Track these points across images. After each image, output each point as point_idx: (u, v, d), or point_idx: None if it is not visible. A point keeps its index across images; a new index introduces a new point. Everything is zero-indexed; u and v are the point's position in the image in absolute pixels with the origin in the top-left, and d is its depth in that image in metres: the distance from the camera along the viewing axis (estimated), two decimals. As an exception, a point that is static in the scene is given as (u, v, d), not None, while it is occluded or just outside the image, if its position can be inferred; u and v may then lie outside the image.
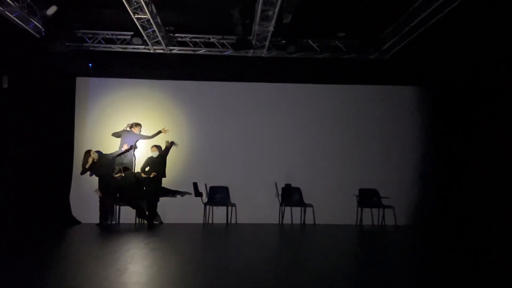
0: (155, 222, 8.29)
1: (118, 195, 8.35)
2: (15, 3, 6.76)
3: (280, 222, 8.82)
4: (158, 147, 8.63)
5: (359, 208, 8.77)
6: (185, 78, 9.15)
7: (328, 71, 9.21)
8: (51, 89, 8.38)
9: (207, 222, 8.64)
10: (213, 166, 8.99)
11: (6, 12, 6.84)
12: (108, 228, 7.98)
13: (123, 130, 8.54)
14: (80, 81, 9.00)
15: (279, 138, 9.13)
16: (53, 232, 7.33)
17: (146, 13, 6.93)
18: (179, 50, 8.74)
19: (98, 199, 8.16)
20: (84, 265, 4.84)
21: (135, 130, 8.59)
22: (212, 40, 8.68)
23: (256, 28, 7.51)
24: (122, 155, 8.37)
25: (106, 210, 8.23)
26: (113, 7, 7.15)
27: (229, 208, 8.71)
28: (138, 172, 8.36)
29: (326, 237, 7.51)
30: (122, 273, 4.37)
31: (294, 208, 8.91)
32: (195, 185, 8.59)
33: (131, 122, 8.63)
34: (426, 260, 5.51)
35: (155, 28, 7.51)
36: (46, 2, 6.98)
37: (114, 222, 8.39)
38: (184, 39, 8.67)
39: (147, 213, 8.16)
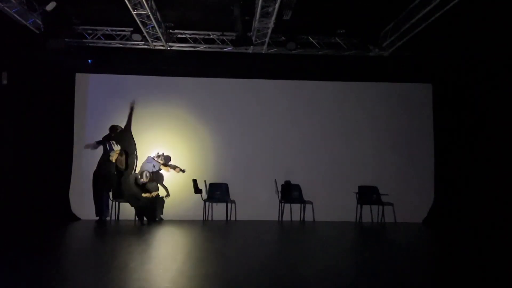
0: (156, 219, 8.29)
1: (117, 192, 8.38)
2: (14, -2, 6.74)
3: (280, 219, 8.83)
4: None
5: (359, 205, 8.78)
6: (184, 74, 9.13)
7: (328, 68, 9.19)
8: (50, 85, 8.36)
9: (206, 218, 8.65)
10: (213, 163, 8.99)
11: (6, 8, 6.81)
12: (107, 225, 7.98)
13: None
14: (79, 77, 8.98)
15: (279, 135, 9.13)
16: (52, 228, 7.33)
17: (146, 9, 6.90)
18: (178, 46, 8.71)
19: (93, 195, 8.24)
20: (83, 262, 4.84)
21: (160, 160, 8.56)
22: (212, 36, 8.66)
23: (256, 24, 7.49)
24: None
25: (102, 206, 8.24)
26: (113, 3, 7.12)
27: (229, 204, 8.71)
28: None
29: (326, 234, 7.51)
30: (122, 269, 4.37)
31: (293, 205, 8.92)
32: (194, 181, 8.59)
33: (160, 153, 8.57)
34: (425, 258, 5.52)
35: (154, 24, 7.49)
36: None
37: (109, 218, 8.40)
38: (183, 36, 8.64)
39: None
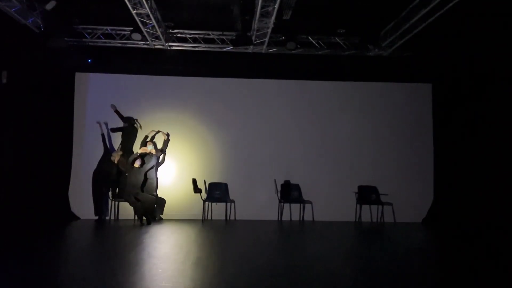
0: (156, 218, 8.29)
1: (117, 191, 8.37)
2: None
3: (279, 219, 8.83)
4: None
5: (358, 205, 8.78)
6: (184, 74, 9.14)
7: (327, 67, 9.20)
8: (50, 84, 8.36)
9: (206, 218, 8.65)
10: (212, 162, 8.99)
11: (5, 7, 6.81)
12: (107, 224, 7.98)
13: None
14: (79, 77, 8.99)
15: (278, 135, 9.13)
16: (52, 228, 7.33)
17: (145, 9, 6.91)
18: (178, 46, 8.71)
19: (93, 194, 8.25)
20: (82, 261, 4.85)
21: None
22: (211, 36, 8.67)
23: (256, 24, 7.50)
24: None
25: (102, 205, 8.25)
26: (113, 2, 7.12)
27: (228, 204, 8.71)
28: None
29: (325, 233, 7.51)
30: (121, 269, 4.37)
31: (293, 205, 8.92)
32: (194, 181, 8.59)
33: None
34: (425, 258, 5.52)
35: (154, 23, 7.49)
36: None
37: (108, 217, 8.40)
38: (183, 35, 8.64)
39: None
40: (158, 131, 8.58)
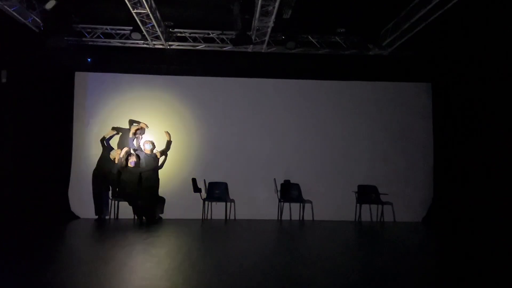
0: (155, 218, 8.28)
1: (116, 191, 8.36)
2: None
3: (279, 218, 8.83)
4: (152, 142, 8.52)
5: (358, 204, 8.78)
6: (184, 73, 9.13)
7: (327, 67, 9.20)
8: (49, 84, 8.35)
9: (206, 218, 8.64)
10: (212, 162, 8.98)
11: (5, 6, 6.80)
12: (106, 223, 7.98)
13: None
14: (78, 76, 8.98)
15: (278, 134, 9.12)
16: (51, 227, 7.33)
17: (145, 8, 6.90)
18: (178, 45, 8.71)
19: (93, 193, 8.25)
20: (82, 261, 4.84)
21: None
22: (211, 35, 8.66)
23: (256, 23, 7.49)
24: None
25: (102, 204, 8.24)
26: (112, 2, 7.11)
27: (228, 204, 8.71)
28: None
29: (325, 233, 7.51)
30: (121, 268, 4.37)
31: (293, 204, 8.92)
32: (194, 180, 8.58)
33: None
34: (425, 257, 5.52)
35: (154, 23, 7.48)
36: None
37: (108, 217, 8.40)
38: (183, 34, 8.64)
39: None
40: (139, 123, 8.56)
